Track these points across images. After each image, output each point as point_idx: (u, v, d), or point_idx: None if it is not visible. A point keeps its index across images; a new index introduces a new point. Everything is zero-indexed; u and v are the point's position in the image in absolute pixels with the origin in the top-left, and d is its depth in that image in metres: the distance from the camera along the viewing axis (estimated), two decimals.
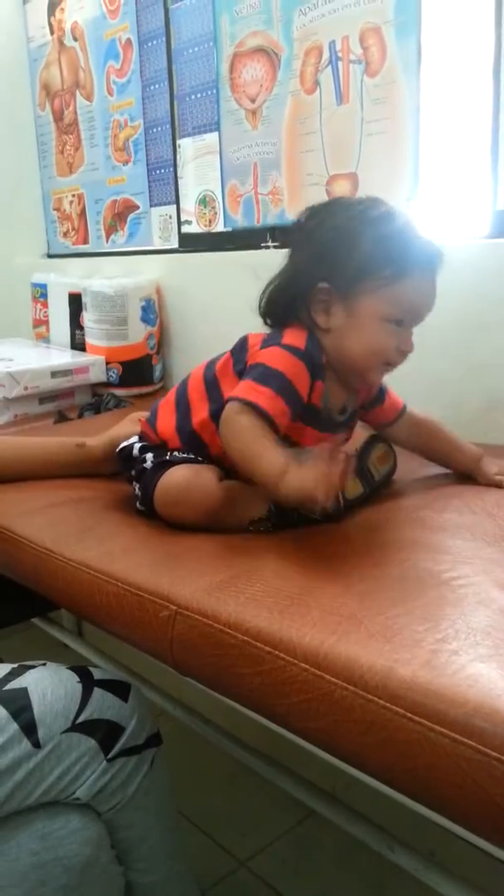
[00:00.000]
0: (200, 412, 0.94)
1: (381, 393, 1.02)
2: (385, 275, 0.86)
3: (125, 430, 1.10)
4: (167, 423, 0.97)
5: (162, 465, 0.92)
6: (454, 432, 1.06)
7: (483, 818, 0.50)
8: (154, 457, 0.95)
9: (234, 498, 0.89)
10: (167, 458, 0.94)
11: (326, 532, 0.85)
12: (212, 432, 0.92)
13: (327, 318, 0.89)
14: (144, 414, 1.07)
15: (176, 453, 0.94)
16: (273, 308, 0.94)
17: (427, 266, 0.88)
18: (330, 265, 0.87)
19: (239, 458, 0.84)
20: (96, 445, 1.12)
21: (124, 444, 1.02)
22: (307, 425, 0.91)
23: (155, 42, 1.72)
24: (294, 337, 0.89)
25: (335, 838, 1.41)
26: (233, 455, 0.85)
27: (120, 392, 1.74)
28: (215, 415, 0.91)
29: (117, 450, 1.03)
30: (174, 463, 0.92)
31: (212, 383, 0.95)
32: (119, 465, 1.03)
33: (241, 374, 0.91)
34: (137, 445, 0.99)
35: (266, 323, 0.95)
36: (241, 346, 0.94)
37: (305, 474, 0.76)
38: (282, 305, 0.93)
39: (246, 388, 0.85)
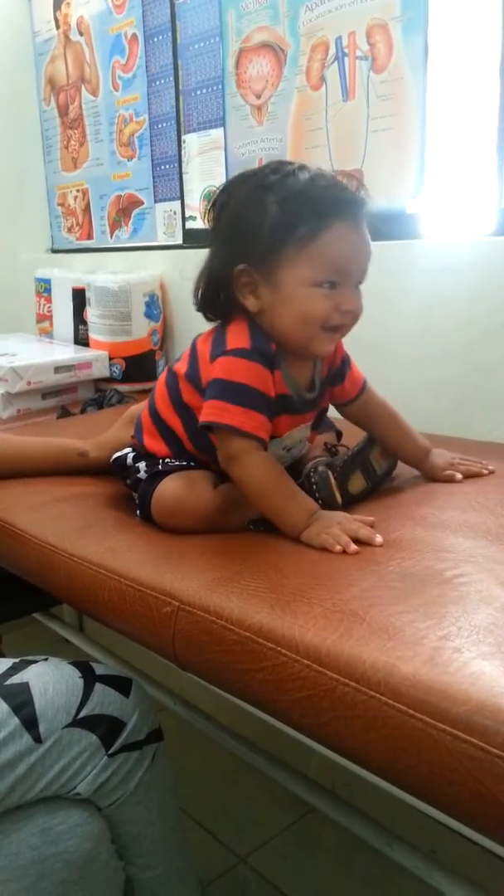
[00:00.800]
0: (178, 429, 0.93)
1: (343, 366, 0.97)
2: (298, 236, 0.80)
3: (122, 433, 1.11)
4: (152, 441, 0.96)
5: (155, 476, 0.92)
6: (408, 423, 1.02)
7: (484, 815, 0.50)
8: (147, 466, 0.95)
9: (231, 501, 0.89)
10: (159, 467, 0.93)
11: None
12: (196, 447, 0.92)
13: (256, 300, 0.84)
14: (137, 409, 1.06)
15: (168, 460, 0.94)
16: (206, 304, 0.90)
17: (344, 214, 0.81)
18: (242, 244, 0.82)
19: (256, 506, 0.85)
20: (98, 455, 1.12)
21: (117, 454, 1.02)
22: (280, 414, 0.89)
23: (161, 37, 1.72)
24: (236, 337, 0.86)
25: (335, 835, 1.41)
26: (246, 492, 0.85)
27: (123, 388, 1.74)
28: (190, 432, 0.92)
29: (111, 460, 1.03)
30: (167, 473, 0.91)
31: (176, 399, 0.93)
32: (115, 473, 1.03)
33: (193, 383, 0.89)
34: (130, 455, 0.99)
35: (207, 318, 0.91)
36: (193, 353, 0.92)
37: (324, 531, 0.79)
38: (212, 299, 0.88)
39: (216, 411, 0.83)
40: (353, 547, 0.77)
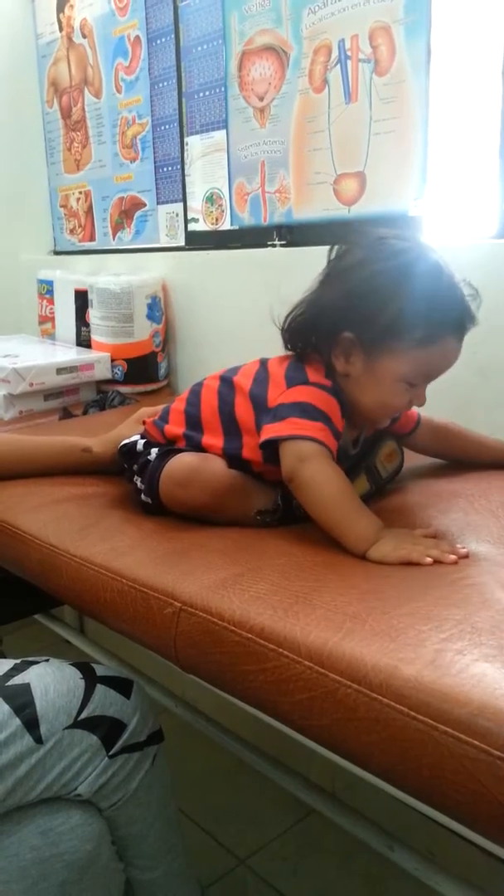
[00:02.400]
0: (214, 440, 0.93)
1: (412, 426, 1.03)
2: (414, 338, 0.82)
3: (130, 431, 1.10)
4: (177, 430, 0.97)
5: (168, 454, 0.93)
6: (475, 432, 1.07)
7: (486, 817, 0.50)
8: (159, 450, 0.95)
9: (242, 485, 0.90)
10: (174, 448, 0.94)
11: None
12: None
13: (346, 364, 0.87)
14: (149, 411, 1.07)
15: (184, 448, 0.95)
16: (294, 337, 0.92)
17: (459, 332, 0.85)
18: (358, 315, 0.84)
19: (318, 514, 0.82)
20: (102, 451, 1.12)
21: (126, 441, 1.02)
22: None
23: (164, 39, 1.72)
24: (317, 375, 0.88)
25: (335, 837, 1.41)
26: (308, 504, 0.83)
27: (125, 389, 1.74)
28: (229, 454, 0.91)
29: (118, 446, 1.03)
30: (181, 452, 0.93)
31: (225, 412, 0.93)
32: (119, 461, 1.03)
33: (255, 401, 0.90)
34: (141, 442, 1.00)
35: (287, 346, 0.93)
36: (263, 373, 0.92)
37: (405, 545, 0.77)
38: (303, 338, 0.91)
39: (293, 426, 0.84)
40: (451, 557, 0.74)
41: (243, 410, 0.92)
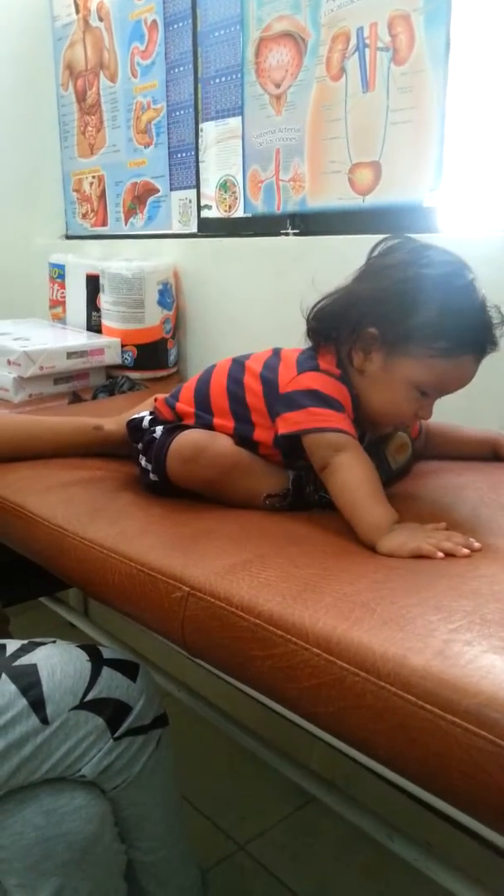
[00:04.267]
0: (224, 421, 0.94)
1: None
2: (436, 347, 0.83)
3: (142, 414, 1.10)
4: (188, 408, 0.97)
5: (175, 430, 0.93)
6: (460, 425, 1.09)
7: (492, 808, 0.50)
8: (165, 427, 0.96)
9: (249, 464, 0.90)
10: (180, 425, 0.95)
11: (341, 520, 0.84)
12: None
13: (363, 360, 0.88)
14: (163, 397, 1.07)
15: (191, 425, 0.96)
16: (319, 325, 0.92)
17: (479, 353, 0.86)
18: (387, 313, 0.85)
19: (343, 498, 0.83)
20: (114, 429, 1.12)
21: (133, 416, 1.02)
22: None
23: (181, 24, 1.71)
24: (329, 363, 0.90)
25: (334, 826, 1.42)
26: (341, 494, 0.84)
27: (134, 375, 1.74)
28: (239, 435, 0.92)
29: (126, 420, 1.03)
30: (187, 428, 0.93)
31: (236, 394, 0.94)
32: (128, 436, 1.03)
33: (265, 383, 0.91)
34: (148, 418, 1.00)
35: (309, 335, 0.93)
36: (275, 359, 0.94)
37: (417, 538, 0.77)
38: (327, 327, 0.91)
39: (314, 417, 0.85)
40: (464, 551, 0.75)
41: (253, 393, 0.93)
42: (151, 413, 1.02)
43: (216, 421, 0.94)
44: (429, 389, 0.86)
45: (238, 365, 0.96)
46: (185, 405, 0.98)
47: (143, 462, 0.96)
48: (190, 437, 0.91)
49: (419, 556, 0.74)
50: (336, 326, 0.90)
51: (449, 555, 0.74)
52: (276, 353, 0.95)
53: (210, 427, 0.94)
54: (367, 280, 0.89)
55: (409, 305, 0.83)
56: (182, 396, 0.99)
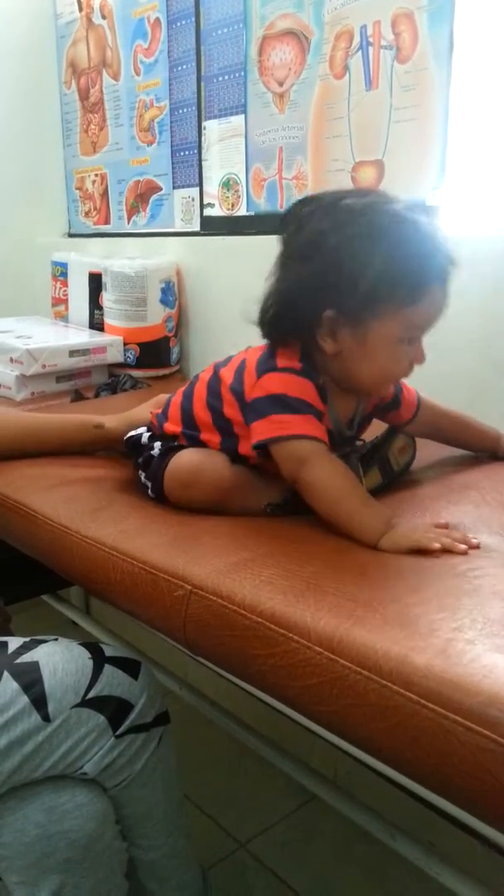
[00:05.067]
0: (211, 436, 0.92)
1: (397, 396, 0.98)
2: (399, 296, 0.79)
3: (144, 413, 1.10)
4: (175, 428, 0.96)
5: (170, 451, 0.92)
6: (470, 416, 1.07)
7: (494, 807, 0.50)
8: (162, 445, 0.95)
9: (246, 481, 0.89)
10: (175, 444, 0.94)
11: None
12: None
13: (334, 343, 0.83)
14: (166, 396, 1.06)
15: (185, 444, 0.94)
16: (275, 332, 0.87)
17: (443, 278, 0.81)
18: (335, 289, 0.80)
19: (328, 511, 0.81)
20: (115, 427, 1.12)
21: (132, 433, 1.02)
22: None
23: (184, 22, 1.71)
24: (288, 358, 0.85)
25: (335, 824, 1.42)
26: (316, 507, 0.82)
27: (137, 373, 1.74)
28: (226, 450, 0.90)
29: (125, 438, 1.03)
30: (183, 448, 0.92)
31: (216, 408, 0.91)
32: (128, 452, 1.03)
33: (235, 394, 0.88)
34: (146, 434, 0.99)
35: (265, 336, 0.89)
36: (241, 366, 0.90)
37: (416, 533, 0.76)
38: (281, 327, 0.86)
39: (275, 425, 0.82)
40: (461, 547, 0.73)
41: (229, 406, 0.90)
42: (149, 429, 1.01)
43: (203, 436, 0.92)
44: (413, 336, 0.83)
45: (215, 376, 0.93)
46: (173, 425, 0.95)
47: (142, 478, 0.95)
48: (186, 460, 0.89)
49: (418, 550, 0.74)
50: (291, 325, 0.85)
51: (447, 551, 0.74)
52: (243, 360, 0.91)
53: (199, 442, 0.92)
54: (297, 266, 0.83)
55: (353, 272, 0.78)
56: (170, 415, 0.97)
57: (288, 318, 0.85)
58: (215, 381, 0.93)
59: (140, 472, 0.96)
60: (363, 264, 0.77)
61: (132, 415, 1.12)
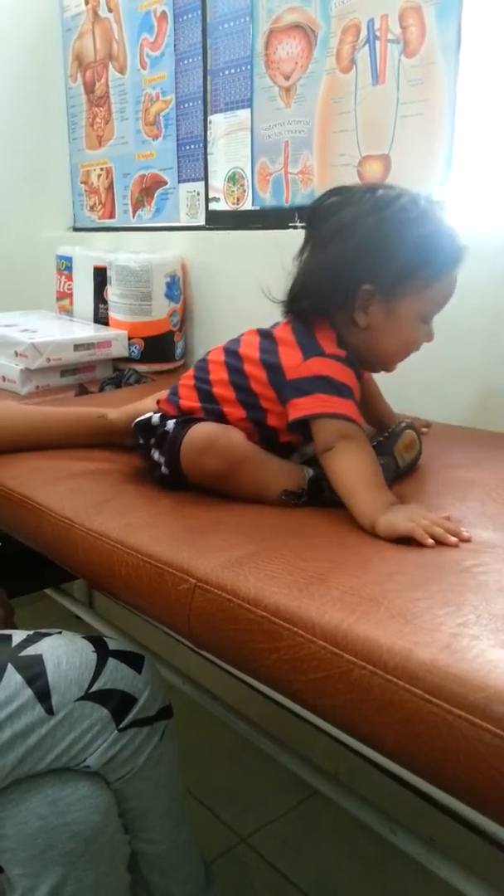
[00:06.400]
0: (234, 410, 0.94)
1: None
2: (427, 275, 0.88)
3: (148, 405, 1.10)
4: (193, 404, 0.97)
5: (189, 422, 0.93)
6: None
7: (498, 802, 0.50)
8: (177, 420, 0.95)
9: (263, 459, 0.91)
10: (193, 418, 0.95)
11: (347, 514, 0.84)
12: (248, 430, 0.93)
13: (366, 316, 0.90)
14: (164, 395, 1.06)
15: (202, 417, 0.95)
16: (303, 304, 0.93)
17: (458, 263, 0.91)
18: (371, 265, 0.88)
19: (342, 482, 0.85)
20: (118, 418, 1.12)
21: (141, 417, 1.02)
22: None
23: (190, 15, 1.71)
24: (329, 343, 0.91)
25: (337, 819, 1.42)
26: (341, 478, 0.85)
27: (141, 368, 1.74)
28: (254, 422, 0.93)
29: (134, 422, 1.02)
30: (199, 421, 0.93)
31: (240, 384, 0.94)
32: (136, 436, 1.03)
33: (267, 367, 0.91)
34: (157, 416, 0.99)
35: (287, 312, 0.95)
36: (269, 339, 0.94)
37: (411, 520, 0.77)
38: (314, 302, 0.92)
39: (324, 403, 0.87)
40: (452, 539, 0.75)
41: (257, 380, 0.93)
42: (158, 412, 1.01)
43: (226, 409, 0.94)
44: (432, 314, 0.92)
45: (233, 355, 0.96)
46: (190, 402, 0.97)
47: (156, 456, 0.95)
48: (203, 429, 0.91)
49: (410, 537, 0.76)
50: (326, 299, 0.91)
51: (440, 543, 0.75)
52: (265, 335, 0.96)
53: (221, 416, 0.94)
54: (333, 245, 0.90)
55: (389, 249, 0.87)
56: (183, 394, 0.98)
57: (325, 292, 0.91)
58: (235, 360, 0.95)
59: (153, 450, 0.96)
60: (399, 242, 0.87)
61: (135, 406, 1.12)
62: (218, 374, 0.96)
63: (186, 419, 0.94)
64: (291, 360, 0.91)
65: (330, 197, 0.92)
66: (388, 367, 0.98)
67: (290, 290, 0.94)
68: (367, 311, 0.90)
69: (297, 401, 0.89)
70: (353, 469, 0.85)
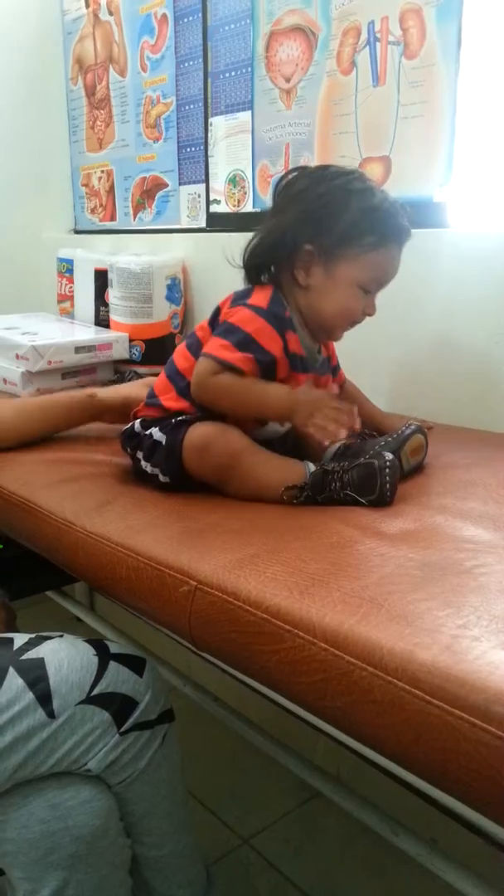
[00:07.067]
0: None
1: (337, 366, 1.12)
2: (365, 243, 0.93)
3: (136, 390, 1.18)
4: (173, 402, 0.99)
5: (181, 425, 0.95)
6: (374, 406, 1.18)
7: (499, 804, 0.50)
8: (161, 427, 0.96)
9: (264, 452, 0.92)
10: (182, 419, 0.96)
11: (348, 515, 0.84)
12: None
13: (306, 276, 0.96)
14: (153, 381, 1.09)
15: (188, 416, 0.97)
16: (254, 262, 1.00)
17: (400, 239, 0.96)
18: (316, 228, 0.94)
19: (238, 405, 0.94)
20: (107, 396, 1.18)
21: (125, 427, 1.03)
22: (300, 373, 0.98)
23: (191, 18, 1.71)
24: (259, 297, 0.97)
25: (338, 821, 1.42)
26: (226, 407, 0.94)
27: (142, 370, 1.74)
28: None
29: (121, 433, 1.03)
30: (190, 423, 0.95)
31: (195, 347, 1.00)
32: (123, 445, 1.03)
33: (211, 324, 1.00)
34: (138, 422, 1.00)
35: (247, 275, 1.02)
36: (216, 310, 1.01)
37: (313, 392, 0.91)
38: (262, 261, 0.99)
39: (214, 345, 0.94)
40: (332, 427, 0.86)
41: (204, 333, 1.00)
42: (140, 418, 1.02)
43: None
44: (369, 285, 0.96)
45: (193, 335, 1.03)
46: (168, 399, 1.00)
47: (148, 468, 0.96)
48: (202, 428, 0.93)
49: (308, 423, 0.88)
50: (273, 258, 0.98)
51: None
52: (217, 307, 1.03)
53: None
54: (287, 209, 0.96)
55: (332, 214, 0.93)
56: (161, 392, 1.02)
57: (272, 252, 0.98)
58: (193, 337, 1.02)
59: (144, 463, 0.97)
60: (341, 210, 0.93)
61: (124, 387, 1.21)
62: (184, 357, 1.01)
63: (180, 422, 0.95)
64: (225, 309, 0.99)
65: (293, 172, 0.99)
66: (330, 332, 1.01)
67: (244, 250, 1.01)
68: (308, 271, 0.96)
69: (213, 337, 0.96)
70: (237, 391, 0.92)
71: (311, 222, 0.94)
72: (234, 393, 0.93)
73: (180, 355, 1.02)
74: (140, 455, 0.97)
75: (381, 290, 0.99)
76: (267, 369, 0.94)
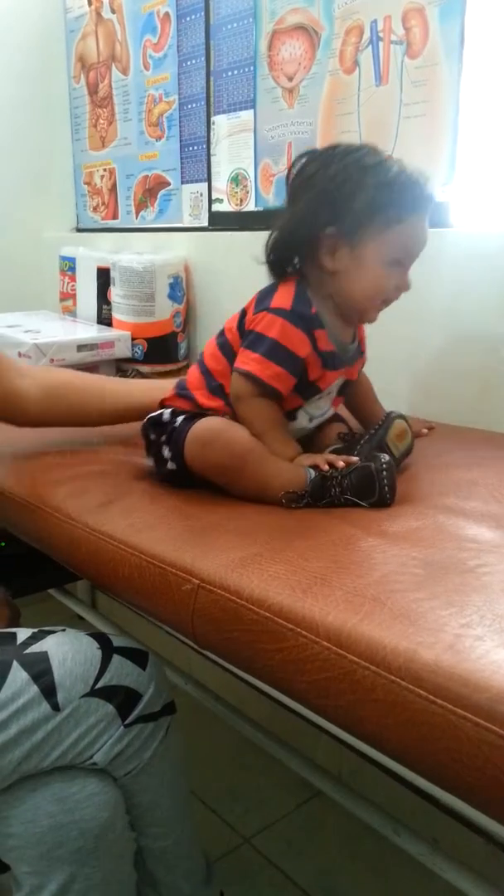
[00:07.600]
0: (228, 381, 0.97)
1: (362, 346, 1.08)
2: (387, 217, 0.90)
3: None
4: (204, 394, 0.99)
5: (195, 417, 0.94)
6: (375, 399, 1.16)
7: (503, 803, 0.50)
8: (186, 415, 0.96)
9: (266, 457, 0.91)
10: (199, 413, 0.96)
11: (350, 515, 0.85)
12: None
13: (332, 261, 0.93)
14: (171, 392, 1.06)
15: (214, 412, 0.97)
16: (276, 256, 0.97)
17: (423, 208, 0.93)
18: (334, 210, 0.91)
19: (259, 435, 0.92)
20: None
21: (153, 414, 1.02)
22: (330, 370, 0.97)
23: (193, 16, 1.71)
24: (282, 297, 0.94)
25: (339, 820, 1.42)
26: (254, 430, 0.93)
27: (144, 368, 1.74)
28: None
29: (146, 419, 1.03)
30: (206, 415, 0.95)
31: (226, 348, 0.99)
32: (147, 432, 1.02)
33: (241, 332, 0.97)
34: (167, 412, 1.00)
35: (271, 271, 0.99)
36: (242, 312, 0.99)
37: (313, 457, 0.91)
38: (284, 254, 0.96)
39: (242, 358, 0.93)
40: (340, 462, 0.88)
41: (235, 340, 0.98)
42: (168, 408, 1.02)
43: (223, 382, 0.98)
44: (401, 259, 0.93)
45: (221, 333, 1.02)
46: (203, 397, 1.00)
47: (165, 452, 0.96)
48: (208, 423, 0.93)
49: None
50: (295, 249, 0.95)
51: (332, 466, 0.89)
52: (244, 308, 1.00)
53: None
54: (301, 196, 0.94)
55: (349, 192, 0.90)
56: (196, 388, 1.01)
57: (292, 241, 0.95)
58: (221, 335, 1.01)
59: (164, 447, 0.96)
60: (357, 188, 0.90)
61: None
62: (214, 357, 1.00)
63: (195, 414, 0.95)
64: (249, 316, 0.96)
65: (301, 158, 0.96)
66: (364, 314, 0.99)
67: (264, 246, 0.97)
68: (333, 255, 0.93)
69: (243, 349, 0.94)
70: (256, 427, 0.92)
71: (328, 205, 0.91)
72: (255, 425, 0.93)
73: (211, 356, 1.01)
74: (163, 439, 0.97)
75: (412, 263, 0.96)
76: (299, 376, 0.94)
